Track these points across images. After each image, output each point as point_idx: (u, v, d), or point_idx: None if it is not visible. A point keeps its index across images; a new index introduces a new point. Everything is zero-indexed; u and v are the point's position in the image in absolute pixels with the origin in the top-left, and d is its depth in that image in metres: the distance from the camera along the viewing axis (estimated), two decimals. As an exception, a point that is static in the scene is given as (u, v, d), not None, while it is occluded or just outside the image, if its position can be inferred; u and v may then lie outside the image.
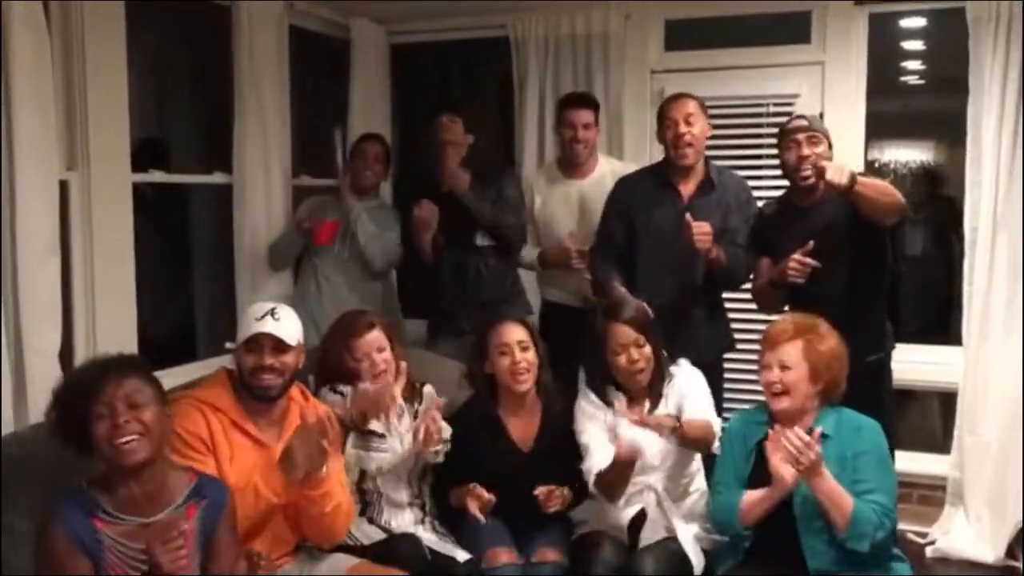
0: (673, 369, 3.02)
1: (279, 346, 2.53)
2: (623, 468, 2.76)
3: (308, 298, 3.95)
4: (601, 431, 2.91)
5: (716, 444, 2.90)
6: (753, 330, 3.62)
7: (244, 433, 2.53)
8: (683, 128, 3.37)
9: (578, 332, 3.40)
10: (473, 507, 2.89)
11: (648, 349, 2.90)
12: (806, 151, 3.15)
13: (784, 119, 4.08)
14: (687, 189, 3.46)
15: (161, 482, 2.15)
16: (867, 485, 2.56)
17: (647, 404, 2.93)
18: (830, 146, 3.23)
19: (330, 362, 2.97)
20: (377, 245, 3.95)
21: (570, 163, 3.89)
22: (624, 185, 3.60)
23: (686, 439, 2.85)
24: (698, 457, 2.99)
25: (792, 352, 2.66)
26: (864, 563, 2.56)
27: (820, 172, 3.02)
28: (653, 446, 2.86)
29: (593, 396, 2.98)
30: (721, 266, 3.35)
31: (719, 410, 3.13)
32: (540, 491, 2.89)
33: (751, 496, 2.64)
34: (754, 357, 2.83)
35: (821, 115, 4.04)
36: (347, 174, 4.02)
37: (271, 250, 4.01)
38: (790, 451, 2.48)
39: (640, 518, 2.88)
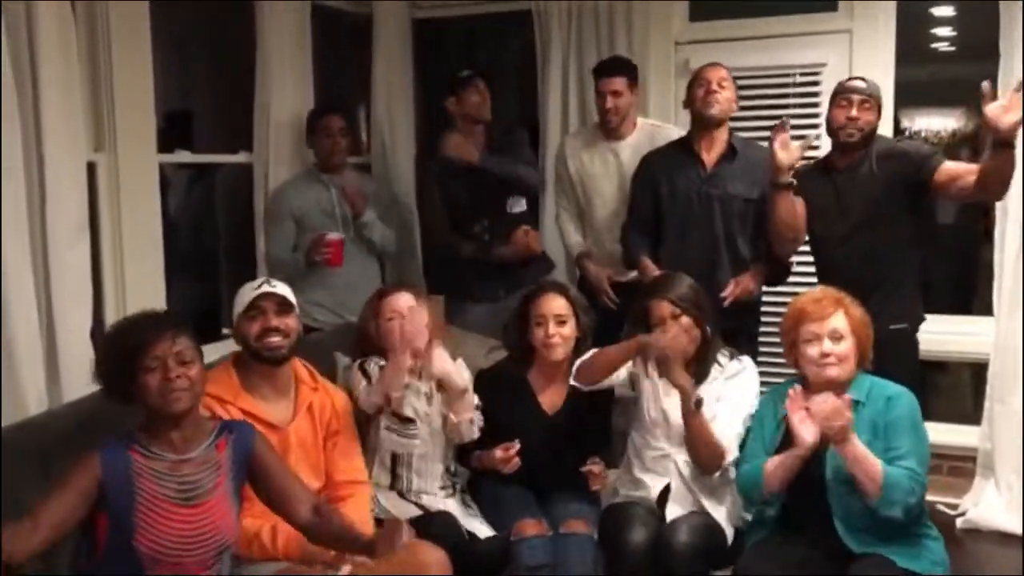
0: (724, 360, 2.96)
1: (282, 307, 2.61)
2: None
3: (312, 284, 3.75)
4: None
5: (730, 463, 2.84)
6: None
7: (255, 419, 2.54)
8: (715, 87, 3.44)
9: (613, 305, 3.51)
10: (499, 461, 2.92)
11: (686, 320, 2.89)
12: (855, 113, 3.14)
13: (811, 88, 4.10)
14: (710, 158, 3.48)
15: (196, 427, 2.24)
16: (899, 451, 2.55)
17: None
18: (879, 115, 3.21)
19: (361, 331, 3.06)
20: (390, 238, 3.98)
21: (606, 128, 3.91)
22: (649, 158, 3.64)
23: (690, 424, 2.80)
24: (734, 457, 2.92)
25: (841, 323, 2.65)
26: (898, 536, 2.55)
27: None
28: (675, 413, 2.87)
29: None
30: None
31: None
32: (586, 469, 2.92)
33: (773, 459, 2.64)
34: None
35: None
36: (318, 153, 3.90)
37: (272, 266, 3.82)
38: (820, 415, 2.48)
39: (667, 492, 2.89)
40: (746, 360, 3.00)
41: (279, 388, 2.66)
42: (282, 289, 2.65)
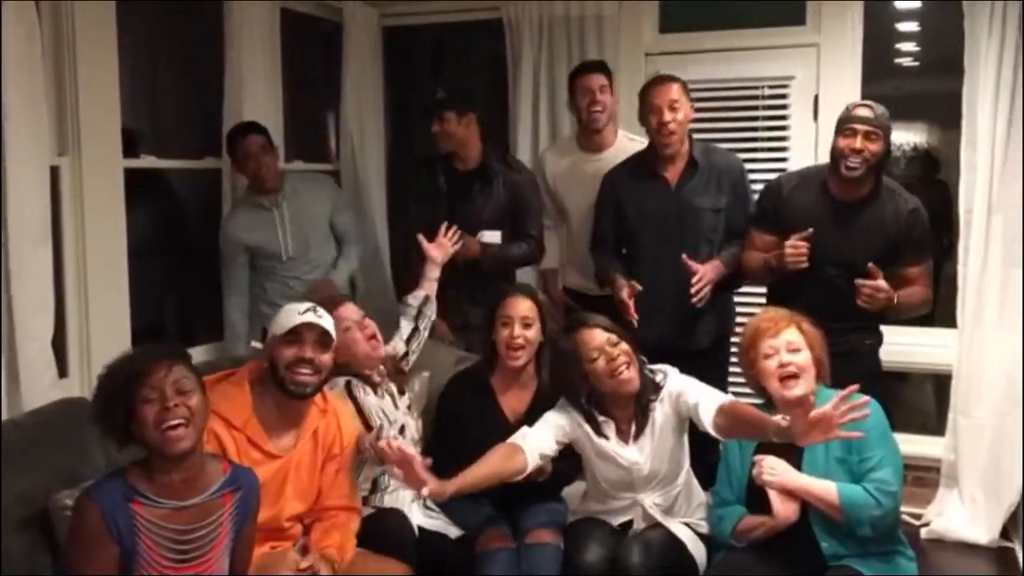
0: (659, 378, 2.83)
1: (322, 340, 2.52)
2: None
3: (262, 305, 3.76)
4: (559, 430, 2.80)
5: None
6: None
7: (259, 449, 2.49)
8: (667, 116, 3.31)
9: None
10: None
11: (625, 345, 2.78)
12: (859, 144, 3.04)
13: (779, 101, 4.12)
14: (673, 174, 3.44)
15: (199, 468, 2.16)
16: (871, 463, 2.56)
17: (633, 427, 2.80)
18: (887, 143, 3.13)
19: None
20: (354, 268, 3.99)
21: (588, 135, 3.82)
22: (612, 178, 3.57)
23: None
24: (687, 468, 2.91)
25: (796, 336, 2.67)
26: (873, 550, 2.57)
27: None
28: (644, 462, 2.79)
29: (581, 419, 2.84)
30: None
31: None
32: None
33: (749, 521, 2.64)
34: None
35: (816, 98, 4.05)
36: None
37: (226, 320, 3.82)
38: (762, 471, 2.57)
39: (627, 525, 2.86)
40: (663, 369, 2.87)
41: (291, 416, 2.56)
42: (327, 320, 2.55)
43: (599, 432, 2.80)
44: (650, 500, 2.83)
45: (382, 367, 3.01)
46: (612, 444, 2.80)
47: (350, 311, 2.94)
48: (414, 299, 3.31)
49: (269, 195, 3.74)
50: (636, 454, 2.79)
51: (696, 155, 3.43)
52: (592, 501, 2.95)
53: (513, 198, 3.72)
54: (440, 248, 3.38)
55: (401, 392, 3.06)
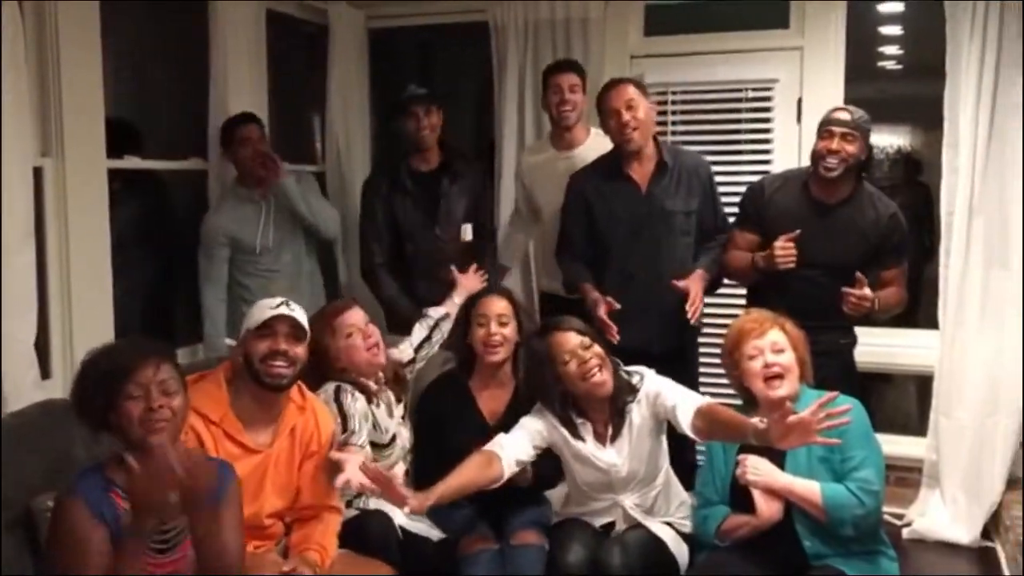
0: (635, 380, 2.85)
1: (295, 332, 2.53)
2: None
3: (243, 305, 3.62)
4: (536, 435, 2.81)
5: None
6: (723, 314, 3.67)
7: (236, 443, 2.50)
8: (626, 116, 3.30)
9: None
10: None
11: (598, 347, 2.80)
12: (836, 145, 3.14)
13: (762, 104, 4.14)
14: (643, 176, 3.41)
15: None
16: (853, 462, 2.59)
17: (610, 429, 2.81)
18: (868, 146, 3.21)
19: (319, 352, 2.84)
20: (327, 216, 3.94)
21: (559, 133, 3.82)
22: (579, 181, 3.53)
23: None
24: (666, 468, 2.92)
25: (780, 337, 2.70)
26: (855, 549, 2.59)
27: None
28: (621, 463, 2.80)
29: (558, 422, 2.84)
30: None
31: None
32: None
33: (733, 521, 2.67)
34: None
35: (800, 100, 4.07)
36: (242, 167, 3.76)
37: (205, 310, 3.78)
38: (746, 471, 2.58)
39: (610, 526, 2.88)
40: (639, 370, 2.88)
41: (268, 411, 2.57)
42: (299, 313, 2.56)
43: (576, 435, 2.81)
44: (630, 501, 2.85)
45: (381, 374, 3.00)
46: (589, 446, 2.81)
47: (355, 316, 2.94)
48: (435, 312, 3.38)
49: (259, 188, 3.75)
50: (614, 456, 2.80)
51: (665, 156, 3.41)
52: (573, 504, 2.96)
53: (479, 189, 3.87)
54: (472, 280, 3.53)
55: (398, 400, 3.07)
